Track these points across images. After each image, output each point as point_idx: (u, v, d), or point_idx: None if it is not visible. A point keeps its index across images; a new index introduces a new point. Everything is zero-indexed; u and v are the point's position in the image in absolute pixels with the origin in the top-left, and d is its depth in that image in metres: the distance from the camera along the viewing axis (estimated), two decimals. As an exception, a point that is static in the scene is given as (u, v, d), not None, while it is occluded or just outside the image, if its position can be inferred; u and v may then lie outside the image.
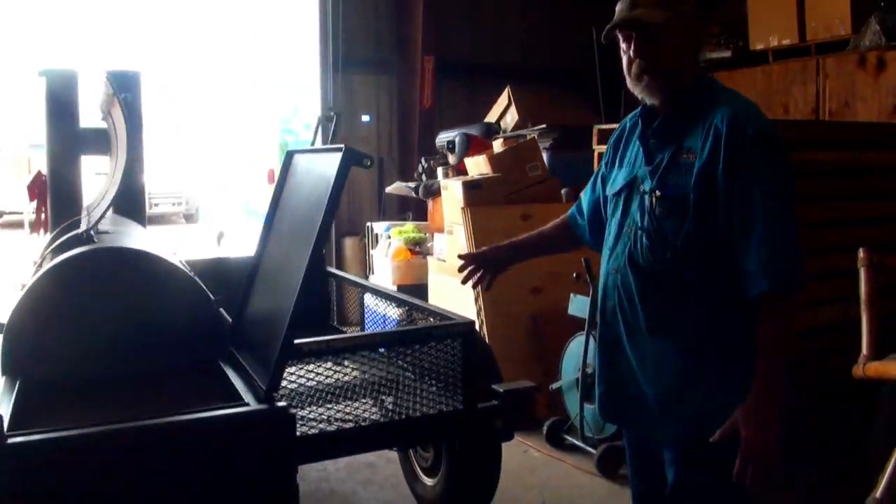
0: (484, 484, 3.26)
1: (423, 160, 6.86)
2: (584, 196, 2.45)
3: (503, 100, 6.64)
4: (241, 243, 11.16)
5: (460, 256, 2.56)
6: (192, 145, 18.04)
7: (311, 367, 2.53)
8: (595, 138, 4.79)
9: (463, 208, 5.04)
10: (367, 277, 6.84)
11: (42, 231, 4.02)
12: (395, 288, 6.15)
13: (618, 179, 2.16)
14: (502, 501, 3.64)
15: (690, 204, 1.90)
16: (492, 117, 6.77)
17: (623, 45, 2.05)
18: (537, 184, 5.31)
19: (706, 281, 1.92)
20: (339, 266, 7.70)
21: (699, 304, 1.94)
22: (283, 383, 2.56)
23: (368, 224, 7.06)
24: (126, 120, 2.45)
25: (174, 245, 4.13)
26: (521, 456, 4.36)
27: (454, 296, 5.15)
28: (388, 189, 7.23)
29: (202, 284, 2.48)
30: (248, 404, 1.95)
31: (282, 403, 1.95)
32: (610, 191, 2.19)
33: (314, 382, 2.56)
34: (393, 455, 3.93)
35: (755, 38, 6.54)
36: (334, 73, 7.47)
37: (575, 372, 4.28)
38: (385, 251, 6.27)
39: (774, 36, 6.34)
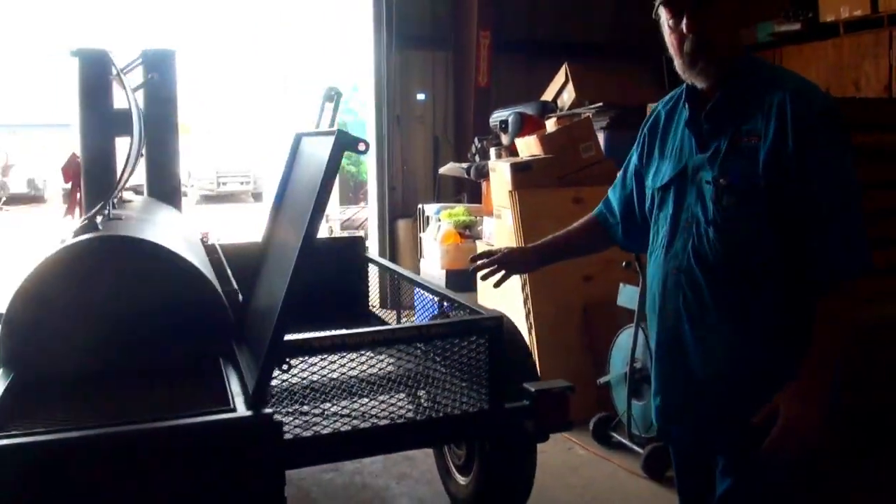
0: (517, 485, 3.08)
1: (476, 140, 6.64)
2: (613, 193, 2.27)
3: (560, 77, 6.35)
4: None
5: (474, 258, 2.40)
6: (258, 124, 18.16)
7: (315, 362, 2.39)
8: (652, 117, 4.52)
9: (511, 191, 4.82)
10: (418, 261, 6.70)
11: (77, 212, 3.96)
12: (443, 273, 5.99)
13: (663, 171, 1.99)
14: (541, 502, 3.45)
15: (762, 189, 1.76)
16: (548, 96, 6.49)
17: (670, 22, 1.87)
18: (591, 165, 5.04)
19: (780, 267, 1.79)
20: (393, 250, 7.56)
21: (775, 291, 1.80)
22: (287, 378, 2.43)
23: (420, 206, 6.90)
24: (132, 100, 2.31)
25: (204, 230, 4.03)
26: (566, 453, 4.15)
27: (505, 284, 4.94)
28: (442, 170, 7.04)
29: (207, 275, 2.34)
30: (233, 409, 1.79)
31: (268, 410, 1.78)
32: (654, 184, 2.02)
33: (317, 378, 2.41)
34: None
35: (825, 8, 6.11)
36: (388, 49, 7.29)
37: (623, 366, 4.04)
38: (434, 234, 6.10)
39: (846, 6, 5.89)
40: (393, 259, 7.54)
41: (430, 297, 3.43)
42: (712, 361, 1.87)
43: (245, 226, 15.39)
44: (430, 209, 6.61)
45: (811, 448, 1.72)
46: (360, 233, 9.04)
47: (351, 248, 4.20)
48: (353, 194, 12.69)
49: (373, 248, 7.82)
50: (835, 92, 5.74)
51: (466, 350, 2.65)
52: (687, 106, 1.93)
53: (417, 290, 6.45)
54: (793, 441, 1.70)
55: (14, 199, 20.78)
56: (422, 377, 2.67)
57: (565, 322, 4.69)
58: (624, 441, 4.05)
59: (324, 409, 2.50)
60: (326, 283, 4.08)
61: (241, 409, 1.81)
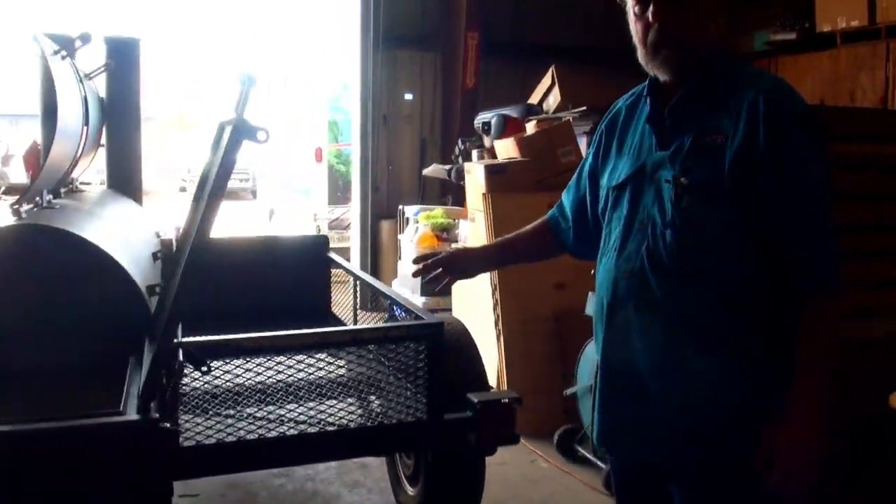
0: (462, 498, 2.95)
1: (459, 141, 6.52)
2: (567, 195, 2.12)
3: (547, 80, 6.22)
4: (290, 221, 11.10)
5: (417, 259, 2.26)
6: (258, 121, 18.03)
7: (239, 364, 2.27)
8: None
9: (484, 194, 4.69)
10: (396, 263, 6.59)
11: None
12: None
13: (619, 169, 1.85)
14: (497, 516, 3.33)
15: (726, 190, 1.64)
16: (535, 98, 6.36)
17: (635, 9, 1.75)
18: (571, 170, 4.89)
19: (744, 276, 1.67)
20: (375, 251, 7.45)
21: (736, 301, 1.67)
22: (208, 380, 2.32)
23: (401, 207, 6.78)
24: (70, 87, 2.19)
25: (158, 225, 3.91)
26: (528, 466, 4.02)
27: (477, 289, 4.83)
28: (425, 171, 6.92)
29: (127, 270, 2.22)
30: (121, 413, 1.67)
31: (154, 415, 1.66)
32: (609, 183, 1.87)
33: (242, 381, 2.29)
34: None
35: (822, 18, 5.97)
36: (375, 48, 7.18)
37: (590, 378, 3.89)
38: (412, 236, 5.97)
39: (843, 17, 5.76)
40: (374, 260, 7.43)
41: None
42: (664, 376, 1.73)
43: (232, 222, 15.39)
44: (409, 210, 6.49)
45: (813, 482, 1.62)
46: (348, 233, 8.94)
47: (313, 248, 4.06)
48: (342, 194, 12.56)
49: (355, 248, 7.71)
50: (829, 104, 5.61)
51: (403, 357, 2.53)
52: (648, 100, 1.80)
53: (391, 292, 6.35)
54: (794, 484, 1.61)
55: (14, 190, 20.69)
56: (357, 384, 2.54)
57: (535, 330, 4.56)
58: (588, 455, 3.92)
59: (245, 414, 2.38)
60: (286, 283, 3.97)
61: (131, 413, 1.68)
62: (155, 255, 3.04)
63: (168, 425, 1.63)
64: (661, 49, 1.71)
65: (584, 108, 5.48)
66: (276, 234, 4.29)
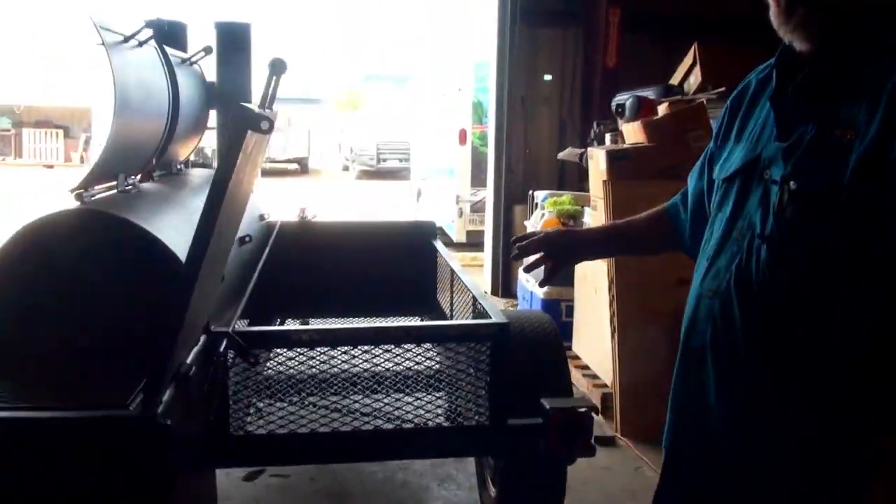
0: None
1: (595, 124, 6.23)
2: (691, 180, 1.77)
3: (689, 59, 5.80)
4: (434, 202, 11.13)
5: (514, 240, 2.03)
6: (415, 99, 18.20)
7: (293, 356, 2.22)
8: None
9: (605, 181, 4.43)
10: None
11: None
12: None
13: (733, 159, 1.51)
14: (585, 528, 3.13)
15: (843, 204, 1.25)
16: (676, 79, 5.96)
17: None
18: (702, 157, 4.54)
19: (856, 317, 1.27)
20: (508, 236, 7.29)
21: (835, 351, 1.29)
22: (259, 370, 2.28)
23: (531, 192, 6.58)
24: (112, 68, 2.19)
25: (302, 206, 3.95)
26: (631, 474, 3.77)
27: (597, 282, 4.59)
28: (560, 155, 6.67)
29: (177, 256, 2.20)
30: (124, 407, 1.63)
31: (150, 412, 1.60)
32: (720, 174, 1.55)
33: (294, 373, 2.24)
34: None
35: None
36: (513, 25, 6.97)
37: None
38: (536, 222, 5.78)
39: None
40: (507, 245, 7.27)
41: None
42: (737, 426, 1.41)
43: (385, 202, 15.66)
44: (539, 195, 6.29)
45: None
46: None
47: (420, 234, 3.98)
48: (485, 176, 12.41)
49: (487, 233, 7.60)
50: None
51: (465, 357, 2.39)
52: (775, 74, 1.43)
53: (520, 279, 6.18)
54: None
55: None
56: (416, 382, 2.43)
57: (653, 328, 4.25)
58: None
59: (296, 407, 2.33)
60: (392, 269, 3.92)
61: (134, 407, 1.64)
62: (242, 240, 3.04)
63: (168, 422, 1.57)
64: (798, 5, 1.34)
65: (723, 88, 5.06)
66: (385, 219, 4.24)
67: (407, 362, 2.39)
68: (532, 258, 2.06)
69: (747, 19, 7.03)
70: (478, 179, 9.79)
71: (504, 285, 7.33)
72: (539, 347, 2.68)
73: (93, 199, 2.32)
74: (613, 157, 4.45)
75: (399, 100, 21.46)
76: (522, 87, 7.16)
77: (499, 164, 7.18)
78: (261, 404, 2.52)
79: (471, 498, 3.43)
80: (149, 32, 2.53)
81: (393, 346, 2.31)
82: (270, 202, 4.36)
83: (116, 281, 2.07)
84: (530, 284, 5.86)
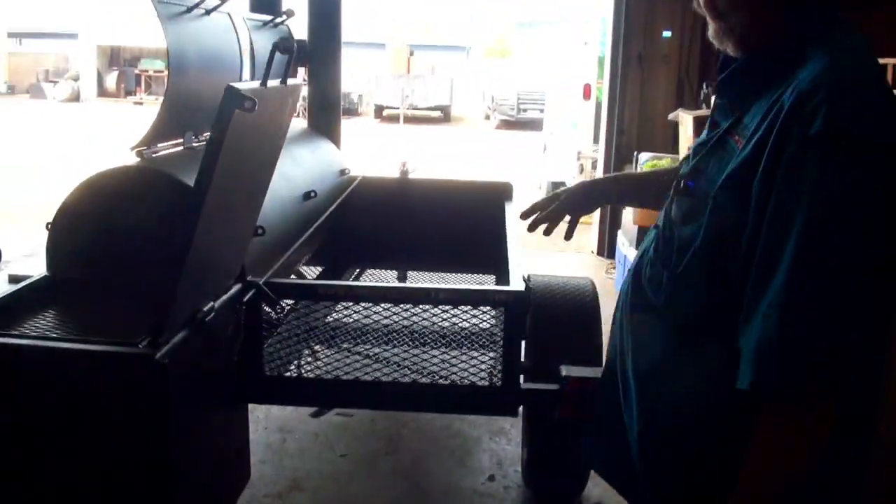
0: (558, 471, 2.88)
1: (704, 85, 6.03)
2: None
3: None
4: (558, 156, 11.06)
5: (524, 214, 2.00)
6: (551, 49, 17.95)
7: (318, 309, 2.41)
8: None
9: (689, 147, 4.33)
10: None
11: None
12: (635, 228, 5.63)
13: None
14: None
15: (709, 210, 1.26)
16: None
17: None
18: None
19: (709, 338, 1.28)
20: (616, 195, 7.23)
21: (693, 369, 1.32)
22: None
23: (635, 153, 6.47)
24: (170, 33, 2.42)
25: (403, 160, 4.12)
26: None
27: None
28: (670, 116, 6.51)
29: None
30: (132, 344, 1.86)
31: (151, 350, 1.81)
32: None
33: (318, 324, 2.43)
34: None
35: None
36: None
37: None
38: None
39: None
40: (613, 207, 7.21)
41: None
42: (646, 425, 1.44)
43: (515, 151, 15.63)
44: (642, 157, 6.18)
45: None
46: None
47: (495, 194, 4.07)
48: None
49: (596, 192, 7.54)
50: None
51: (482, 321, 2.51)
52: (717, 74, 1.44)
53: (617, 241, 6.14)
54: None
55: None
56: (436, 340, 2.57)
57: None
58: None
59: (322, 355, 2.53)
60: (464, 227, 4.04)
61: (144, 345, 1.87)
62: (307, 195, 3.25)
63: (166, 361, 1.79)
64: (720, 38, 1.35)
65: None
66: (464, 178, 4.34)
67: (429, 320, 2.53)
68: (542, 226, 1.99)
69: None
70: (599, 135, 9.67)
71: (610, 246, 7.26)
72: (568, 314, 2.74)
73: (152, 156, 2.57)
74: (699, 123, 4.35)
75: (546, 48, 21.24)
76: (640, 44, 6.99)
77: (610, 123, 7.08)
78: (318, 348, 2.75)
79: (517, 453, 3.56)
80: (215, 2, 2.73)
81: (411, 306, 2.45)
82: (388, 148, 4.54)
83: (158, 234, 2.30)
84: (625, 247, 5.83)
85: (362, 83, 24.09)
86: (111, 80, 27.79)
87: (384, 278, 4.34)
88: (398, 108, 22.72)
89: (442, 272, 4.22)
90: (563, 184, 10.96)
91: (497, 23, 39.49)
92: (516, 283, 2.49)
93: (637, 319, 1.46)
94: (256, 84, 1.88)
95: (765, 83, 1.28)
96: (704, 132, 1.46)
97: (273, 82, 1.97)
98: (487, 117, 24.64)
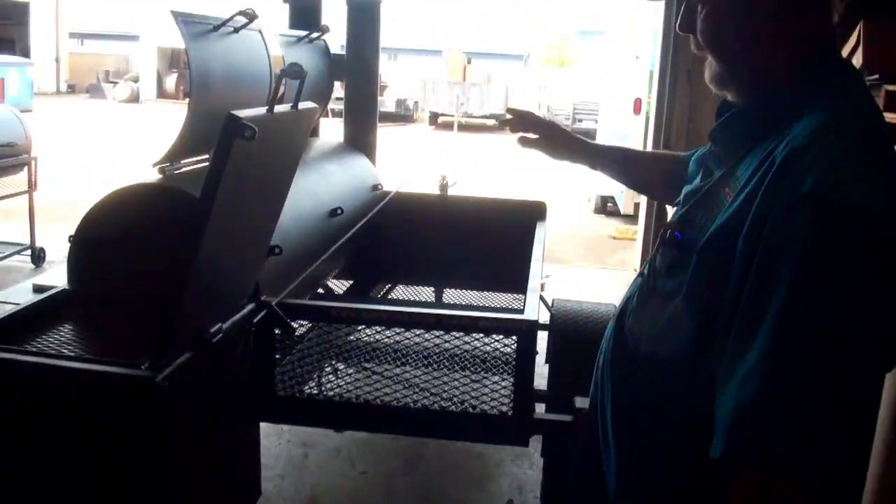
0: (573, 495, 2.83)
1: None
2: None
3: (854, 37, 5.30)
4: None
5: (510, 109, 2.01)
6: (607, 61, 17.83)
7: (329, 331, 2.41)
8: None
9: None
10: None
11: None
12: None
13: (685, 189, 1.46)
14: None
15: (693, 266, 1.21)
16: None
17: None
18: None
19: (692, 394, 1.21)
20: (661, 215, 7.10)
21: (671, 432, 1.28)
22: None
23: (681, 171, 6.35)
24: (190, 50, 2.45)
25: (443, 174, 4.09)
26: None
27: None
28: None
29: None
30: (136, 365, 1.88)
31: (152, 373, 1.83)
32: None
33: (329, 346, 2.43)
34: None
35: None
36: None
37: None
38: (676, 205, 5.60)
39: None
40: (658, 220, 7.10)
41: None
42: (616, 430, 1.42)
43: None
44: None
45: None
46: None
47: (528, 214, 4.02)
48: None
49: (642, 207, 7.44)
50: None
51: (492, 348, 2.47)
52: (715, 119, 1.38)
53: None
54: None
55: (385, 117, 23.11)
56: (449, 366, 2.54)
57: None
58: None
59: (332, 378, 2.52)
60: (495, 246, 4.01)
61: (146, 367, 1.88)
62: (333, 212, 3.26)
63: (166, 384, 1.80)
64: (721, 82, 1.31)
65: (877, 76, 4.60)
66: (497, 196, 4.30)
67: (442, 346, 2.51)
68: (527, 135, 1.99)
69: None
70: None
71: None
72: (593, 343, 2.68)
73: (174, 172, 2.60)
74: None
75: (604, 59, 21.08)
76: (689, 59, 6.85)
77: (657, 138, 6.96)
78: (340, 366, 2.75)
79: (538, 478, 3.51)
80: (243, 20, 2.75)
81: (423, 332, 2.43)
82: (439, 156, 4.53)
83: (175, 252, 2.32)
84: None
85: (418, 90, 24.22)
86: (170, 82, 28.42)
87: (418, 294, 4.32)
88: (453, 116, 22.77)
89: (476, 290, 4.19)
90: (611, 198, 10.84)
91: (557, 31, 39.34)
92: (530, 312, 2.45)
93: (618, 366, 1.42)
94: (263, 110, 1.87)
95: (761, 134, 1.22)
96: (697, 178, 1.40)
97: (283, 107, 1.97)
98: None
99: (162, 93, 28.38)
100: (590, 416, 1.59)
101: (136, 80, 28.63)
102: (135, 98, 27.83)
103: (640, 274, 1.43)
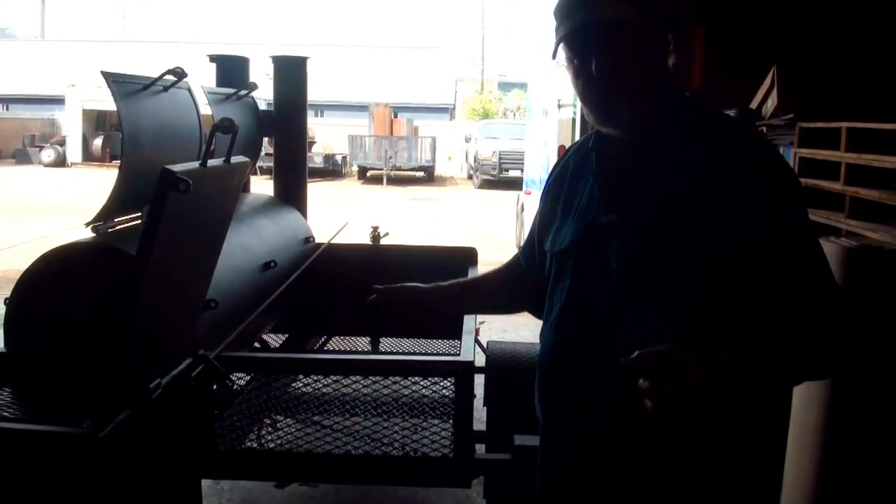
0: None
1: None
2: (522, 256, 1.85)
3: (767, 82, 5.63)
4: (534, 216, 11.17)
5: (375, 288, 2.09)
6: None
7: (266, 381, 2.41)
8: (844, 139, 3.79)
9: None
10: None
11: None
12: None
13: (564, 232, 1.57)
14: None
15: (669, 284, 1.36)
16: (756, 102, 5.79)
17: (575, 63, 1.46)
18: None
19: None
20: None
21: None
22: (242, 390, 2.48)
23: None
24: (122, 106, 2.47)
25: (375, 225, 4.12)
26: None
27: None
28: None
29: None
30: (77, 424, 1.86)
31: (92, 430, 1.82)
32: (552, 247, 1.60)
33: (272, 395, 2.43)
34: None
35: None
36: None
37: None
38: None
39: None
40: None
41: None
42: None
43: (497, 212, 15.74)
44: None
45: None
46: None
47: (459, 260, 4.10)
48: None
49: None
50: None
51: (432, 391, 2.52)
52: (594, 155, 1.53)
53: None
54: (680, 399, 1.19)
55: (314, 173, 23.11)
56: (388, 411, 2.58)
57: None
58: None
59: (276, 428, 2.53)
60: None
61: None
62: (266, 265, 3.27)
63: (107, 441, 1.79)
64: (614, 107, 1.43)
65: (791, 116, 4.89)
66: (428, 244, 4.38)
67: (381, 391, 2.54)
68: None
69: (830, 44, 6.73)
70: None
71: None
72: (528, 382, 2.75)
73: (108, 230, 2.60)
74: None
75: (527, 108, 21.58)
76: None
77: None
78: (280, 418, 2.74)
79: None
80: (172, 79, 2.79)
81: (361, 378, 2.46)
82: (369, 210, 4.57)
83: (111, 310, 2.31)
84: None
85: (346, 145, 24.37)
86: (97, 145, 27.97)
87: (354, 344, 4.33)
88: (382, 170, 22.95)
89: (412, 338, 4.22)
90: (541, 243, 11.04)
91: (480, 82, 40.14)
92: (466, 353, 2.51)
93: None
94: (196, 164, 1.91)
95: (667, 157, 1.40)
96: (584, 196, 1.54)
97: (215, 161, 2.01)
98: (470, 177, 24.88)
99: (88, 156, 27.90)
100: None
101: (61, 144, 28.11)
102: (61, 162, 27.29)
103: (582, 304, 1.50)
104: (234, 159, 2.17)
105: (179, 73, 2.79)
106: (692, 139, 1.42)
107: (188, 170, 1.79)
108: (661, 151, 1.43)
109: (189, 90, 3.05)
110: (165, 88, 2.81)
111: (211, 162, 2.00)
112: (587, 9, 1.41)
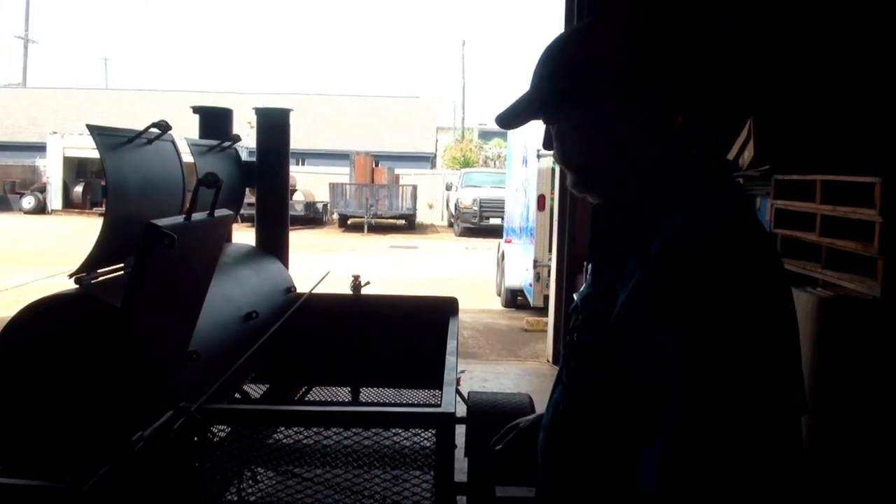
0: None
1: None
2: None
3: (744, 133, 5.76)
4: (514, 264, 11.26)
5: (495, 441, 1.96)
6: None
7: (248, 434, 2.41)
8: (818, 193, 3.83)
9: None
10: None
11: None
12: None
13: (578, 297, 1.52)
14: None
15: (607, 365, 1.27)
16: (733, 153, 5.92)
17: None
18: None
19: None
20: (570, 305, 7.35)
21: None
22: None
23: (585, 263, 6.61)
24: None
25: (356, 274, 4.14)
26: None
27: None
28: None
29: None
30: (59, 478, 1.86)
31: (75, 485, 1.81)
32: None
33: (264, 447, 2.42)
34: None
35: None
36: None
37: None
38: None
39: None
40: (566, 314, 7.31)
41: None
42: None
43: (476, 260, 15.81)
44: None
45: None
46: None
47: (441, 310, 4.13)
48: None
49: (551, 299, 7.66)
50: None
51: (413, 443, 2.52)
52: (591, 224, 1.46)
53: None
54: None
55: (295, 221, 23.15)
56: (371, 463, 2.57)
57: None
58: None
59: (254, 481, 2.51)
60: (409, 343, 4.07)
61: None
62: (248, 316, 3.28)
63: (89, 496, 1.78)
64: (581, 180, 1.39)
65: (767, 167, 5.00)
66: (409, 293, 4.40)
67: (364, 442, 2.54)
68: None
69: (807, 95, 6.86)
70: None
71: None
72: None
73: (91, 282, 2.60)
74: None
75: (507, 157, 21.82)
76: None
77: (562, 232, 7.26)
78: (260, 470, 2.72)
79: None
80: (156, 132, 2.83)
81: (342, 430, 2.46)
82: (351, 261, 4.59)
83: (94, 364, 2.31)
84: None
85: (327, 193, 24.47)
86: (78, 192, 27.94)
87: (335, 395, 4.32)
88: (363, 218, 23.03)
89: (393, 388, 4.22)
90: (521, 291, 11.10)
91: (461, 131, 40.55)
92: (447, 405, 2.52)
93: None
94: (181, 218, 1.94)
95: (636, 235, 1.28)
96: (585, 285, 1.49)
97: (200, 214, 2.04)
98: (451, 224, 25.01)
99: (69, 203, 27.83)
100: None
101: (42, 191, 28.05)
102: (41, 209, 27.21)
103: (561, 382, 1.47)
104: (218, 212, 2.20)
105: (163, 127, 2.83)
106: (652, 219, 1.26)
107: (173, 224, 1.82)
108: (631, 222, 1.32)
109: (173, 142, 3.09)
110: (149, 141, 2.85)
111: (195, 216, 2.03)
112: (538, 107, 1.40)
